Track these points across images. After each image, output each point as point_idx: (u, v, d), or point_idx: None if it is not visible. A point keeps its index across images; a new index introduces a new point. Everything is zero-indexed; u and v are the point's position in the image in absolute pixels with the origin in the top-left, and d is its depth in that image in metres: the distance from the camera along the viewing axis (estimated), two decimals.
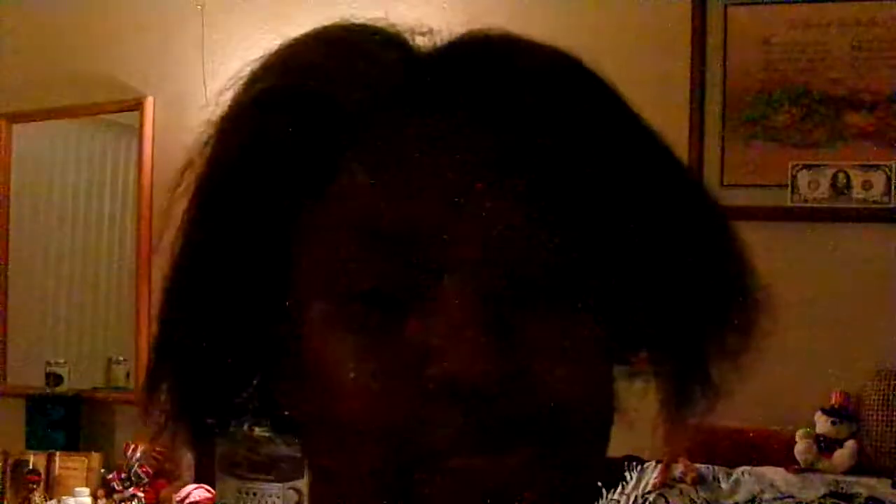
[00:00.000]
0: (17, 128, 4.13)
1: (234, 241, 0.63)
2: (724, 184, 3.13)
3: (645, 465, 2.72)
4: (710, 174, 3.13)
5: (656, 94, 3.18)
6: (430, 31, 0.65)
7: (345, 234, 0.61)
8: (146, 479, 3.43)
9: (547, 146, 0.60)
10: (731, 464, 2.67)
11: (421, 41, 0.65)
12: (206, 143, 0.65)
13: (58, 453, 3.65)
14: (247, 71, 0.65)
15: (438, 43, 0.65)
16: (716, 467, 2.67)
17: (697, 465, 2.66)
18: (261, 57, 0.65)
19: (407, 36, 0.65)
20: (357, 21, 0.65)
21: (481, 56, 0.64)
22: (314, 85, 0.62)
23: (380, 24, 0.65)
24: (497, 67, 0.63)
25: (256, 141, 0.62)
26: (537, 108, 0.61)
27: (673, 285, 0.64)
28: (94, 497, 3.48)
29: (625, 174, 0.62)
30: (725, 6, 3.15)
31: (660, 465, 2.69)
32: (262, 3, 3.58)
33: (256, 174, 0.62)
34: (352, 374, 0.60)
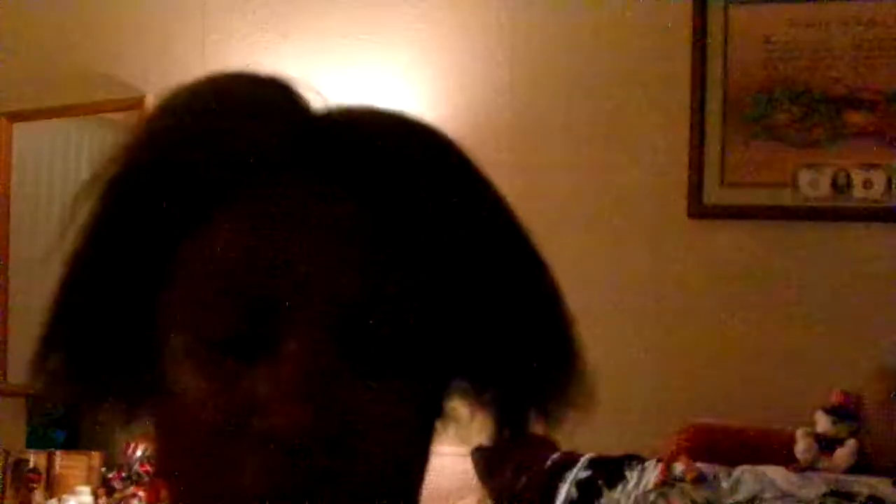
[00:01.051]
0: (17, 126, 4.13)
1: (119, 261, 0.69)
2: (725, 183, 3.13)
3: (645, 464, 2.72)
4: (711, 174, 3.13)
5: (657, 94, 3.19)
6: (319, 91, 0.71)
7: (205, 282, 0.66)
8: (147, 478, 3.42)
9: (400, 217, 0.66)
10: (732, 463, 2.66)
11: (313, 100, 0.71)
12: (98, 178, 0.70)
13: (58, 452, 3.65)
14: (146, 119, 0.71)
15: (328, 106, 0.71)
16: (716, 466, 2.66)
17: (698, 464, 2.66)
18: (156, 104, 0.71)
19: (301, 93, 0.71)
20: (250, 74, 0.71)
21: (357, 130, 0.69)
22: (207, 139, 0.67)
23: (279, 77, 0.71)
24: (368, 142, 0.68)
25: (146, 182, 0.68)
26: (398, 182, 0.67)
27: (499, 341, 0.70)
28: (95, 496, 3.48)
29: (464, 242, 0.68)
30: (726, 5, 3.14)
31: (660, 464, 2.69)
32: (262, 2, 3.57)
33: (139, 216, 0.68)
34: (201, 408, 0.65)
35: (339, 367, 0.65)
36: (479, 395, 0.73)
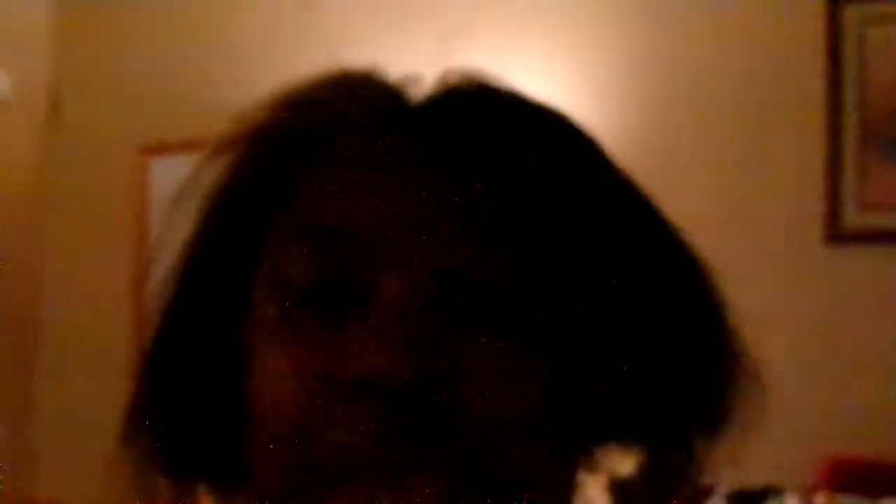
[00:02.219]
0: (153, 160, 4.21)
1: (226, 257, 0.65)
2: (863, 206, 3.04)
3: (785, 497, 2.65)
4: (848, 197, 3.05)
5: (791, 117, 3.12)
6: (419, 80, 0.66)
7: (298, 237, 0.62)
8: None
9: (513, 186, 0.60)
10: (874, 496, 2.57)
11: (411, 90, 0.66)
12: (203, 168, 0.67)
13: None
14: (251, 105, 0.68)
15: (427, 92, 0.66)
16: (859, 499, 2.58)
17: (840, 497, 2.58)
18: (265, 96, 0.68)
19: (397, 86, 0.66)
20: (350, 69, 0.68)
21: (460, 105, 0.64)
22: (298, 117, 0.65)
23: (371, 72, 0.67)
24: (475, 120, 0.63)
25: (245, 164, 0.65)
26: (508, 153, 0.61)
27: (635, 338, 0.62)
28: None
29: (591, 220, 0.61)
30: (862, 24, 3.06)
31: (801, 497, 2.62)
32: (384, 26, 3.60)
33: (243, 196, 0.65)
34: (277, 379, 0.60)
35: (442, 315, 0.58)
36: (627, 390, 0.63)
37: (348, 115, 0.64)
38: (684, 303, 0.64)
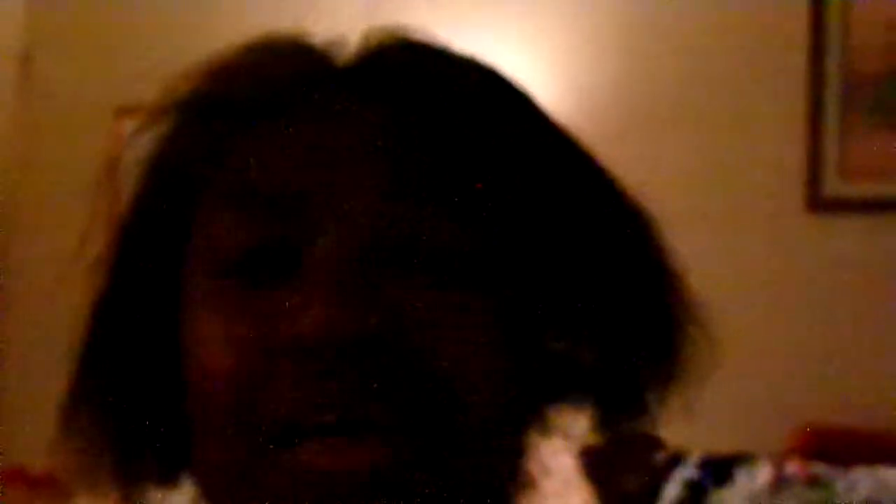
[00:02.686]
0: (129, 121, 4.18)
1: (159, 232, 0.64)
2: (845, 174, 3.02)
3: (756, 464, 2.65)
4: (830, 165, 3.03)
5: (772, 84, 3.10)
6: (344, 42, 0.65)
7: (226, 203, 0.60)
8: None
9: (445, 141, 0.59)
10: (848, 464, 2.57)
11: (336, 52, 0.65)
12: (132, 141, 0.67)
13: None
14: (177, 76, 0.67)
15: (352, 52, 0.65)
16: (831, 467, 2.58)
17: (812, 465, 2.58)
18: (191, 67, 0.67)
19: (321, 46, 0.65)
20: (276, 35, 0.67)
21: (386, 64, 0.64)
22: (224, 85, 0.63)
23: (297, 36, 0.66)
24: (401, 77, 0.62)
25: (173, 136, 0.64)
26: (438, 108, 0.60)
27: (580, 285, 0.61)
28: None
29: (528, 173, 0.61)
30: None
31: (771, 464, 2.62)
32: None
33: (172, 169, 0.64)
34: (212, 344, 0.58)
35: (378, 268, 0.57)
36: (578, 347, 0.63)
37: (275, 79, 0.63)
38: (628, 254, 0.63)
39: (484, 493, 0.59)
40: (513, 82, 0.64)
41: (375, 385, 0.55)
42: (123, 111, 4.14)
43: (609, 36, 3.32)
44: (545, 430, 0.65)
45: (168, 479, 0.67)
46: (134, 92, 3.97)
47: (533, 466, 0.64)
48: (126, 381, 0.65)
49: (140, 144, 0.66)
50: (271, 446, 0.56)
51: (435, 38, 0.65)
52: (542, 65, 3.30)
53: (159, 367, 0.63)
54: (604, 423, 0.65)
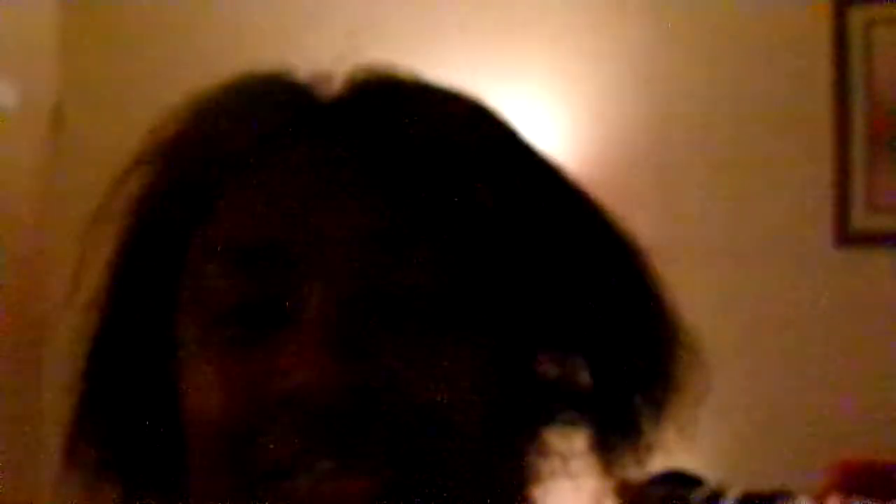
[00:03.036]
0: None
1: (146, 278, 0.65)
2: (873, 207, 3.02)
3: (796, 501, 2.64)
4: (857, 198, 3.03)
5: (798, 118, 3.10)
6: (329, 79, 0.65)
7: (213, 255, 0.61)
8: None
9: (433, 178, 0.60)
10: (885, 500, 2.55)
11: (321, 89, 0.65)
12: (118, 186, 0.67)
13: None
14: (162, 117, 0.67)
15: (337, 89, 0.65)
16: (871, 502, 2.56)
17: (851, 501, 2.56)
18: (172, 105, 0.67)
19: (306, 84, 0.66)
20: (259, 72, 0.67)
21: (371, 101, 0.64)
22: (207, 129, 0.64)
23: (282, 73, 0.66)
24: (387, 117, 0.63)
25: (157, 183, 0.65)
26: (424, 149, 0.61)
27: (567, 315, 0.63)
28: None
29: (514, 210, 0.61)
30: (868, 24, 3.04)
31: (812, 501, 2.60)
32: (396, 33, 3.58)
33: (157, 216, 0.64)
34: (207, 394, 0.59)
35: (368, 319, 0.58)
36: (571, 371, 0.64)
37: (259, 120, 0.63)
38: (618, 281, 0.64)
39: None
40: (499, 117, 0.65)
41: (367, 432, 0.56)
42: None
43: (629, 80, 3.33)
44: (542, 452, 0.66)
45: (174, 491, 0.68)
46: None
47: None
48: (123, 413, 0.66)
49: (126, 190, 0.67)
50: (266, 480, 0.58)
51: (420, 73, 0.66)
52: (567, 108, 3.32)
53: (155, 398, 0.65)
54: (599, 444, 0.65)
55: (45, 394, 4.33)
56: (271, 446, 0.57)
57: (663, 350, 0.65)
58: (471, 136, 0.63)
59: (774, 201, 3.11)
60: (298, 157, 0.62)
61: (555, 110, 3.33)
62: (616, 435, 0.65)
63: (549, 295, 0.62)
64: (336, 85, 0.65)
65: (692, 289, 0.68)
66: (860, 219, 3.02)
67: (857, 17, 3.06)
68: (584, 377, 0.64)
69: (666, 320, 0.65)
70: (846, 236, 3.04)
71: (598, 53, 3.38)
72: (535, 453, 0.66)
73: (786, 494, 2.66)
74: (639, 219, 0.68)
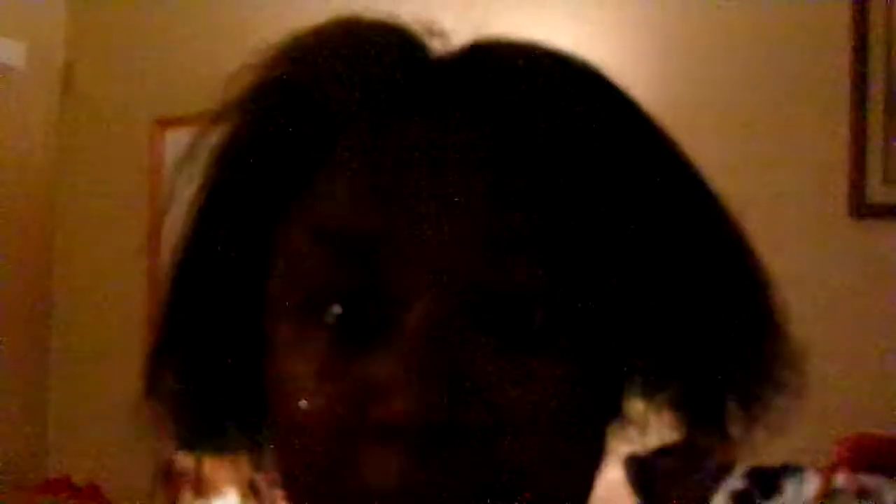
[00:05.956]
0: (169, 132, 4.18)
1: (229, 236, 0.61)
2: (888, 179, 2.99)
3: (804, 475, 2.62)
4: (874, 170, 3.00)
5: (815, 88, 3.07)
6: (444, 34, 0.61)
7: (313, 236, 0.57)
8: None
9: (545, 164, 0.55)
10: None
11: (435, 43, 0.60)
12: (205, 131, 0.63)
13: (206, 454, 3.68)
14: (255, 59, 0.63)
15: (451, 47, 0.60)
16: (881, 479, 2.54)
17: (861, 476, 2.54)
18: (269, 46, 0.62)
19: (419, 38, 0.61)
20: (365, 18, 0.61)
21: (489, 65, 0.59)
22: (309, 83, 0.59)
23: (390, 21, 0.61)
24: (505, 77, 0.57)
25: (249, 132, 0.60)
26: (540, 121, 0.56)
27: (679, 324, 0.58)
28: (243, 498, 3.50)
29: (629, 200, 0.57)
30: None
31: (820, 476, 2.59)
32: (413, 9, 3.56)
33: (248, 167, 0.60)
34: (302, 402, 0.56)
35: (473, 338, 0.54)
36: (662, 387, 0.61)
37: (370, 75, 0.58)
38: (730, 282, 0.61)
39: None
40: (618, 85, 0.62)
41: (458, 466, 0.53)
42: (163, 122, 4.15)
43: (650, 42, 3.30)
44: (623, 422, 0.64)
45: (245, 440, 0.67)
46: (173, 104, 4.00)
47: None
48: (209, 346, 0.64)
49: (205, 145, 0.63)
50: (361, 499, 0.56)
51: (531, 38, 0.61)
52: None
53: (238, 348, 0.63)
54: (688, 443, 0.64)
55: (50, 367, 4.33)
56: (368, 474, 0.54)
57: (766, 350, 0.63)
58: (592, 114, 0.58)
59: (790, 173, 3.08)
60: (412, 133, 0.57)
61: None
62: (705, 433, 0.63)
63: (661, 310, 0.58)
64: (449, 43, 0.61)
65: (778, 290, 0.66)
66: (876, 191, 2.99)
67: None
68: (680, 384, 0.61)
69: (773, 321, 0.63)
70: (862, 209, 3.01)
71: (616, 23, 3.36)
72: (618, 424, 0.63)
73: (795, 468, 2.65)
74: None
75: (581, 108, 0.58)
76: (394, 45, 0.60)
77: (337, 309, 0.56)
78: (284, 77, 0.60)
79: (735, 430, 0.62)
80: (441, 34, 0.61)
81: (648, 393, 0.61)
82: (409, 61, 0.59)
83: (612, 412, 0.61)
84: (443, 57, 0.60)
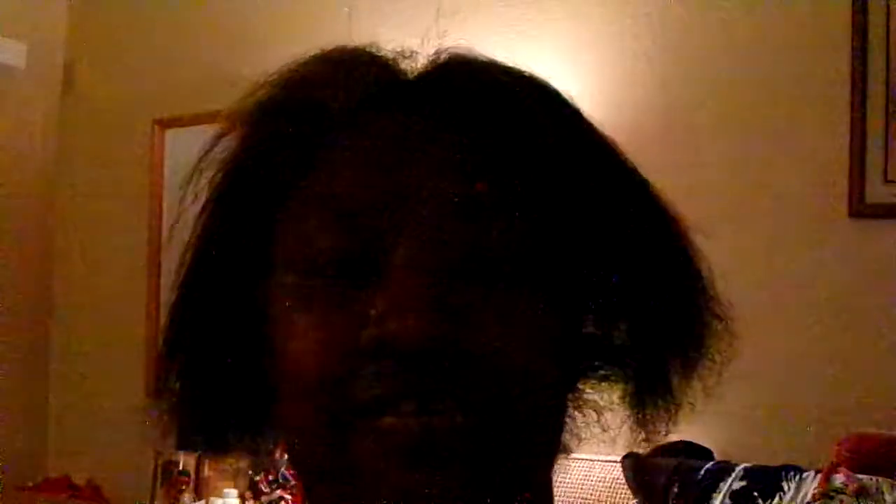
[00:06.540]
0: (169, 133, 4.19)
1: (242, 226, 0.71)
2: (889, 180, 2.99)
3: (803, 475, 2.62)
4: (874, 171, 3.00)
5: (816, 89, 3.08)
6: (413, 55, 0.73)
7: (313, 211, 0.67)
8: (293, 482, 3.43)
9: (507, 150, 0.67)
10: (894, 474, 2.54)
11: (405, 64, 0.73)
12: (217, 143, 0.73)
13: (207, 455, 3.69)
14: (258, 81, 0.73)
15: (420, 66, 0.73)
16: (879, 479, 2.54)
17: (859, 476, 2.54)
18: (270, 73, 0.73)
19: (392, 59, 0.73)
20: (349, 46, 0.74)
21: (453, 79, 0.71)
22: (305, 93, 0.71)
23: (369, 48, 0.74)
24: (467, 89, 0.69)
25: (258, 139, 0.71)
26: (497, 111, 0.68)
27: (626, 285, 0.70)
28: (242, 498, 3.50)
29: (576, 178, 0.68)
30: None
31: (819, 475, 2.59)
32: (409, 4, 3.56)
33: (257, 168, 0.70)
34: (304, 340, 0.66)
35: (452, 274, 0.64)
36: (612, 330, 0.71)
37: (351, 89, 0.70)
38: (660, 249, 0.71)
39: (529, 456, 0.68)
40: (565, 95, 0.72)
41: (447, 376, 0.62)
42: (163, 122, 4.16)
43: (646, 44, 3.31)
44: (580, 403, 0.74)
45: (251, 435, 0.75)
46: (173, 104, 4.01)
47: None
48: (214, 355, 0.72)
49: (221, 147, 0.72)
50: (356, 417, 0.64)
51: (493, 55, 0.72)
52: (585, 75, 3.29)
53: (246, 344, 0.71)
54: (633, 399, 0.72)
55: (51, 363, 4.34)
56: (362, 388, 0.63)
57: (697, 315, 0.72)
58: (541, 114, 0.69)
59: (790, 173, 3.08)
60: (389, 124, 0.69)
61: (573, 77, 3.30)
62: (648, 391, 0.72)
63: (602, 259, 0.69)
64: (419, 62, 0.73)
65: (706, 258, 0.72)
66: (876, 191, 3.00)
67: None
68: (622, 337, 0.72)
69: (702, 288, 0.72)
70: (862, 209, 3.01)
71: (618, 20, 3.36)
72: (574, 404, 0.74)
73: (794, 469, 2.65)
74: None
75: (529, 99, 0.70)
76: (369, 66, 0.72)
77: (334, 262, 0.66)
78: (282, 93, 0.72)
79: (675, 389, 0.72)
80: (412, 56, 0.73)
81: (600, 326, 0.72)
82: (383, 78, 0.71)
83: (572, 345, 0.71)
84: (413, 73, 0.72)
